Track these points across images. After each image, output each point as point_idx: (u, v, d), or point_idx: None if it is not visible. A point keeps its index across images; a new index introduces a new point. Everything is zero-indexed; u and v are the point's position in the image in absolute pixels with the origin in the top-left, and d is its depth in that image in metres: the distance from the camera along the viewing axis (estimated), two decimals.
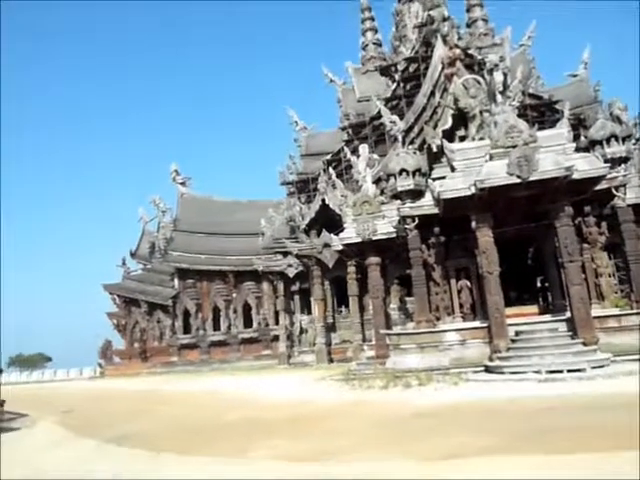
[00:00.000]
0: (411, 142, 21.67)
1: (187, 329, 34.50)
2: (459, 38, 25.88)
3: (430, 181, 14.66)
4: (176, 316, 34.73)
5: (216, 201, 39.06)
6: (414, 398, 10.33)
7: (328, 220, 24.02)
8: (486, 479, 4.75)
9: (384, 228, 15.56)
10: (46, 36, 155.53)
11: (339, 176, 26.34)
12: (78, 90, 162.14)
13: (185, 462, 6.75)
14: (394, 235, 15.37)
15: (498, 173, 12.35)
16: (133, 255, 41.39)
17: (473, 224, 12.97)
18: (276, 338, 28.95)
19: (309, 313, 27.02)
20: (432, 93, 23.53)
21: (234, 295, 33.12)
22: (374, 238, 15.44)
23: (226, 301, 33.27)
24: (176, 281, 35.32)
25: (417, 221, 14.65)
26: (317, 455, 6.33)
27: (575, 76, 31.43)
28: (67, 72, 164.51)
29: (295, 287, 27.84)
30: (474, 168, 13.02)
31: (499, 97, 13.98)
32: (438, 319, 14.60)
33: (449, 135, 20.68)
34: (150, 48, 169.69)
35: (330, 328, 25.26)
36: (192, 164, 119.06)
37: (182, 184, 40.27)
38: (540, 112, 25.77)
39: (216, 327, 33.73)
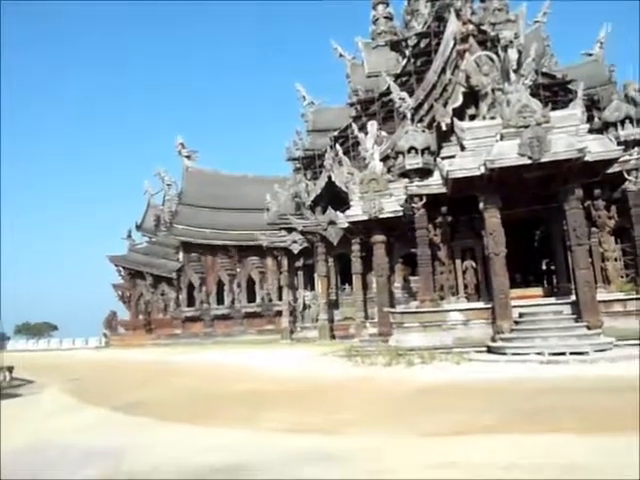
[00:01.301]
0: (420, 120, 21.38)
1: (191, 302, 34.87)
2: (472, 13, 25.26)
3: (439, 160, 14.53)
4: (180, 289, 35.08)
5: (222, 175, 38.91)
6: (417, 375, 10.43)
7: (334, 197, 23.97)
8: (491, 456, 4.82)
9: (391, 206, 15.49)
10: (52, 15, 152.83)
11: (346, 153, 26.09)
12: (86, 64, 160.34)
13: (192, 431, 6.86)
14: (401, 214, 15.32)
15: (509, 153, 12.22)
16: (138, 228, 41.59)
17: (481, 205, 12.89)
18: (279, 313, 29.19)
19: (312, 289, 27.21)
20: (443, 70, 23.13)
21: (238, 270, 33.32)
22: (380, 216, 15.38)
23: (230, 275, 33.49)
24: (181, 254, 35.57)
25: (424, 200, 14.54)
26: (322, 427, 6.43)
27: (590, 55, 30.77)
28: (76, 47, 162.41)
29: (299, 263, 28.10)
30: (484, 148, 12.88)
31: (513, 75, 13.74)
32: (442, 299, 14.64)
33: (459, 113, 20.44)
34: (158, 20, 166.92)
35: (333, 305, 25.47)
36: (199, 138, 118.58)
37: (188, 157, 40.06)
38: (553, 92, 25.31)
39: (220, 301, 34.06)
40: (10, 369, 14.83)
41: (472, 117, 20.22)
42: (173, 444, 6.30)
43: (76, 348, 42.05)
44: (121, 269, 39.09)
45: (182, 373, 14.61)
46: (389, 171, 17.50)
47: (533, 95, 17.06)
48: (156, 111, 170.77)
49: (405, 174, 15.62)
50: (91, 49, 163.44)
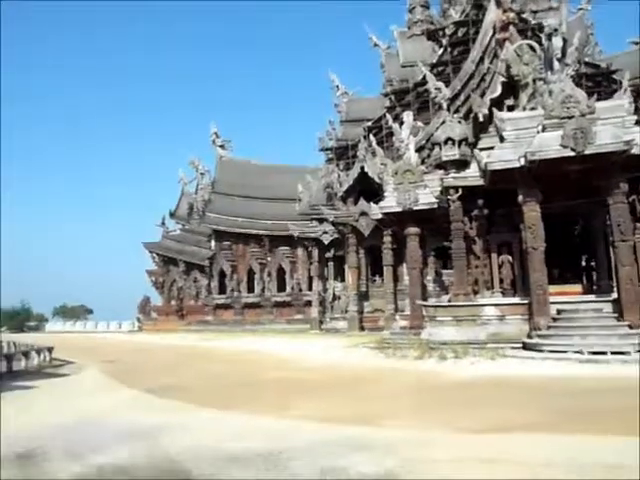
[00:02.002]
0: (456, 110, 20.97)
1: (222, 289, 35.42)
2: (512, 1, 24.50)
3: (477, 151, 14.20)
4: (212, 276, 35.65)
5: (254, 165, 39.17)
6: (450, 370, 10.27)
7: (366, 188, 23.82)
8: (531, 453, 4.68)
9: (425, 198, 15.26)
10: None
11: (379, 144, 25.84)
12: (122, 54, 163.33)
13: (224, 416, 6.92)
14: (435, 206, 15.07)
15: (551, 145, 11.82)
16: (172, 215, 42.39)
17: (520, 198, 12.54)
18: (309, 303, 29.35)
19: (342, 280, 27.18)
20: (481, 59, 22.60)
21: (269, 259, 33.61)
22: (415, 208, 15.18)
23: (261, 264, 33.81)
24: (213, 242, 36.09)
25: (460, 192, 14.32)
26: (355, 418, 6.39)
27: (637, 43, 29.48)
28: (116, 39, 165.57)
29: (329, 254, 28.10)
30: (525, 139, 12.50)
31: (556, 64, 13.25)
32: (476, 293, 14.40)
33: (497, 104, 19.81)
34: (195, 11, 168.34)
35: (363, 296, 25.39)
36: (233, 128, 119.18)
37: (221, 147, 40.50)
38: (596, 82, 24.43)
39: (250, 289, 34.46)
40: (50, 350, 15.34)
41: (510, 108, 19.61)
42: (206, 428, 6.34)
43: (110, 331, 43.40)
44: (155, 256, 40.04)
45: (213, 359, 14.83)
46: (423, 162, 17.21)
47: (576, 85, 16.50)
48: (192, 100, 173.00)
49: (441, 165, 15.33)
50: (134, 38, 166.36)
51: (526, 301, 12.82)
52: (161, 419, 6.88)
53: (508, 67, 19.30)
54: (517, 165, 12.09)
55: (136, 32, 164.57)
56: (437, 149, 15.40)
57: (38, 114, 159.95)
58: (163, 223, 42.08)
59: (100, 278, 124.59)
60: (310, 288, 29.79)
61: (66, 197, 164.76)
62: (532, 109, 15.50)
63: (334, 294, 27.05)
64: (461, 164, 14.90)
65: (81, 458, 5.05)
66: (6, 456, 5.17)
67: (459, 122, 16.23)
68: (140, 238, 45.29)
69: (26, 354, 13.97)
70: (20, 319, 56.14)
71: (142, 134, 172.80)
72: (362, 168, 24.79)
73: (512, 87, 20.06)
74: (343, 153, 29.70)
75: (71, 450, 5.42)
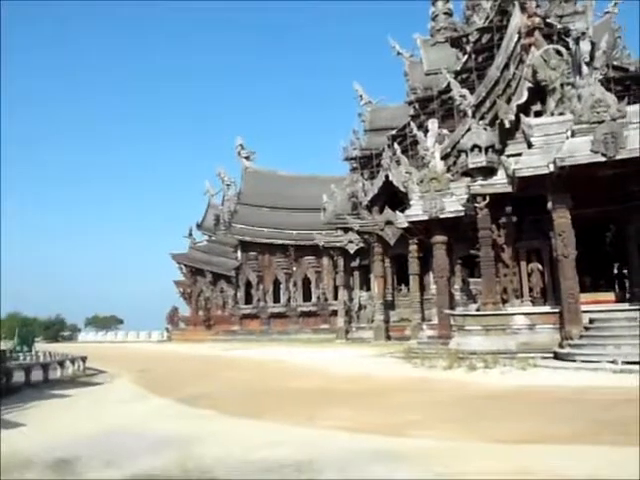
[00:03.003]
0: (482, 117, 20.75)
1: (248, 300, 35.76)
2: (537, 5, 24.23)
3: (504, 158, 14.04)
4: (238, 287, 36.03)
5: (279, 175, 39.58)
6: (480, 379, 10.10)
7: (391, 197, 23.82)
8: (570, 465, 4.56)
9: (452, 206, 15.14)
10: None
11: (404, 152, 25.82)
12: (145, 62, 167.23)
13: (254, 426, 6.95)
14: (462, 214, 14.95)
15: (581, 150, 11.61)
16: (199, 227, 43.11)
17: (549, 204, 12.33)
18: (334, 313, 29.38)
19: (368, 290, 27.12)
20: (506, 65, 22.36)
21: (294, 269, 33.82)
22: (441, 216, 15.07)
23: (286, 274, 34.04)
24: (239, 253, 36.52)
25: (488, 200, 14.18)
26: (385, 428, 6.34)
27: None
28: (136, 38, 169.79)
29: (355, 263, 28.10)
30: (553, 145, 12.31)
31: (585, 68, 13.06)
32: (505, 302, 14.17)
33: (524, 110, 19.63)
34: (221, 20, 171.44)
35: (389, 306, 25.26)
36: (257, 139, 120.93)
37: (247, 158, 41.07)
38: (625, 86, 23.88)
39: (276, 299, 34.72)
40: (84, 359, 15.71)
41: (537, 114, 19.38)
42: (236, 437, 6.37)
43: (140, 341, 44.11)
44: (182, 266, 40.75)
45: (242, 368, 14.93)
46: (449, 170, 17.10)
47: (605, 89, 16.18)
48: (217, 112, 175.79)
49: (467, 173, 15.18)
50: (163, 42, 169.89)
51: (557, 310, 12.56)
52: (192, 428, 6.95)
53: (535, 72, 19.13)
54: (546, 171, 11.90)
55: (160, 35, 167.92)
56: (463, 156, 15.26)
57: (61, 119, 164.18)
58: (190, 234, 42.82)
59: (130, 289, 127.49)
60: (336, 297, 29.81)
61: (100, 209, 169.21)
62: (560, 114, 15.29)
63: (360, 303, 26.98)
64: (488, 171, 14.73)
65: (116, 466, 5.15)
66: (45, 461, 5.31)
67: (485, 129, 16.04)
68: (168, 249, 46.23)
69: (61, 363, 14.35)
70: (55, 329, 57.71)
71: (171, 146, 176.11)
72: (387, 177, 24.80)
73: (539, 92, 19.84)
74: (367, 162, 29.78)
75: (106, 457, 5.53)
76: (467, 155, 15.14)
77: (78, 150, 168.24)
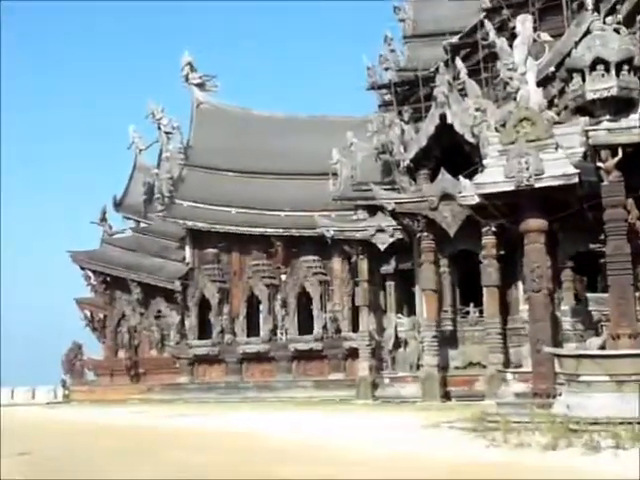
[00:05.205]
0: (610, 11, 14.50)
1: (204, 331, 23.51)
2: None
3: None
4: (187, 308, 23.72)
5: (256, 116, 26.89)
6: (610, 469, 7.02)
7: (450, 152, 16.93)
8: None
9: (557, 167, 10.47)
10: None
11: (472, 74, 18.39)
12: None
13: None
14: (575, 180, 10.25)
15: None
16: (118, 205, 29.07)
17: None
18: (353, 353, 19.35)
19: (411, 313, 18.32)
20: None
21: (283, 277, 22.63)
22: (538, 185, 10.45)
23: (270, 286, 22.40)
24: (187, 250, 24.51)
25: (621, 155, 10.19)
26: None
27: None
28: None
29: (388, 267, 18.97)
30: None
31: None
32: None
33: None
34: None
35: (447, 340, 17.04)
36: (218, 60, 77.08)
37: (200, 86, 27.59)
38: None
39: (252, 330, 22.83)
40: None
41: None
42: None
43: (16, 404, 28.80)
44: (90, 274, 27.56)
45: (193, 447, 9.76)
46: (552, 105, 12.80)
47: None
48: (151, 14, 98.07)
49: (584, 108, 10.74)
50: None
51: None
52: None
53: None
54: None
55: None
56: (577, 80, 10.66)
57: None
58: (104, 219, 28.72)
59: None
60: (355, 327, 19.96)
61: None
62: None
63: (397, 337, 18.20)
64: (622, 105, 10.40)
65: None
66: None
67: (616, 32, 11.06)
68: (65, 244, 32.20)
69: None
70: None
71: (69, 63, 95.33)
72: (443, 117, 17.21)
73: None
74: (409, 92, 21.05)
75: None
76: (584, 78, 10.64)
77: None
